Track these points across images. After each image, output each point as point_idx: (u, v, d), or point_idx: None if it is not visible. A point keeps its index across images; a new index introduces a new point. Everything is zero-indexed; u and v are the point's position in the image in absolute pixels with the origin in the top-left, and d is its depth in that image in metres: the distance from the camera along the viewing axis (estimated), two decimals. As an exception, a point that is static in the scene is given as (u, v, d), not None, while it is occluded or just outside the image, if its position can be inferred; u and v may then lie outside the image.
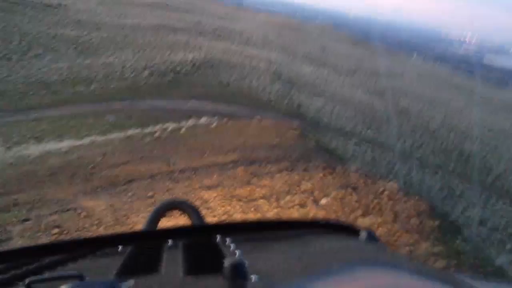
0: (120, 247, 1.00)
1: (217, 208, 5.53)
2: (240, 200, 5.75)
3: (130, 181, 6.47)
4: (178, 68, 18.93)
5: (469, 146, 17.27)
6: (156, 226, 1.49)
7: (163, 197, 5.74)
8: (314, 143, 9.59)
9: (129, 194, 5.99)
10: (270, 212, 5.52)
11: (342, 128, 15.27)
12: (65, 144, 9.16)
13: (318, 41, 41.95)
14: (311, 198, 5.93)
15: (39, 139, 9.89)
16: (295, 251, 0.91)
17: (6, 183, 6.57)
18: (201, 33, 29.90)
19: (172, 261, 0.85)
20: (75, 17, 26.99)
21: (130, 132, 9.87)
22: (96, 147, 8.67)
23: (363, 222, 5.19)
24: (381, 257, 0.88)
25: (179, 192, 6.05)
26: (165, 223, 1.69)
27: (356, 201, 5.85)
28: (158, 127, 10.08)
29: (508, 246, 7.38)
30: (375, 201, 5.89)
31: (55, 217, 5.07)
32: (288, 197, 5.91)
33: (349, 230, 1.11)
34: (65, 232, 4.75)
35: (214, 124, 10.29)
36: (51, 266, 0.88)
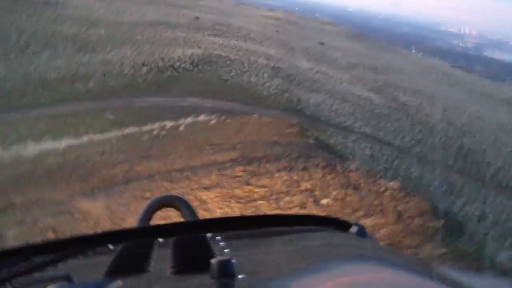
0: (110, 246, 0.97)
1: (215, 209, 5.47)
2: (239, 201, 5.69)
3: (127, 182, 6.42)
4: (177, 65, 18.84)
5: (469, 141, 17.26)
6: (148, 222, 1.45)
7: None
8: (313, 140, 9.54)
9: (126, 195, 5.94)
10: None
11: (342, 123, 15.21)
12: (63, 143, 9.10)
13: (318, 36, 41.78)
14: (312, 198, 5.87)
15: (36, 138, 9.81)
16: (285, 247, 0.90)
17: (2, 183, 6.52)
18: (200, 29, 29.77)
19: (161, 259, 0.83)
20: (73, 14, 26.82)
21: (129, 130, 9.81)
22: (94, 146, 8.62)
23: (365, 223, 5.12)
24: (371, 252, 0.89)
25: (177, 193, 5.98)
26: (160, 219, 1.63)
27: (358, 201, 5.80)
28: (156, 125, 10.01)
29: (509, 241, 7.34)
30: (377, 201, 5.84)
31: (50, 220, 5.02)
32: (287, 198, 5.85)
33: (340, 225, 1.11)
34: (60, 236, 4.69)
35: (213, 122, 10.23)
36: (38, 267, 0.84)
